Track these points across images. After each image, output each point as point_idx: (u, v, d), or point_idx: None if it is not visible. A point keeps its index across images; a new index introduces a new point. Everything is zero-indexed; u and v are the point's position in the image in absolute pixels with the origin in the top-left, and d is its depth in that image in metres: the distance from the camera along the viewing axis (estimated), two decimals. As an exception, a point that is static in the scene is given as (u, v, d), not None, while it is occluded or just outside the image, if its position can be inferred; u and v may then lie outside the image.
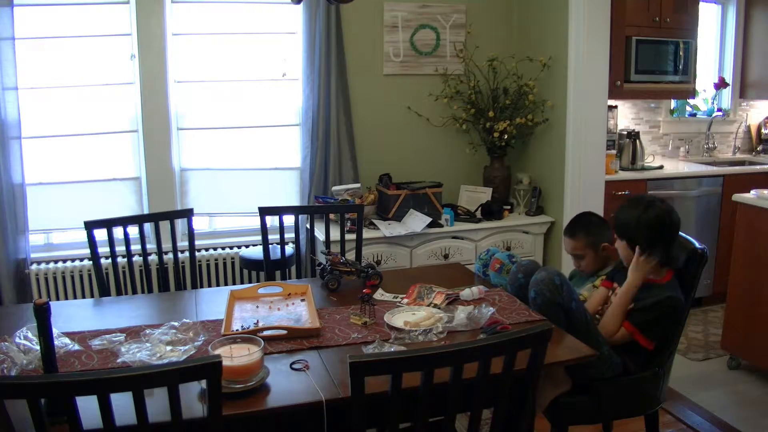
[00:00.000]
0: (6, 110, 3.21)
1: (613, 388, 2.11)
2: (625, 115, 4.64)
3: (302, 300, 2.21)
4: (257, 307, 2.16)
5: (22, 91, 3.28)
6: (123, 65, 3.52)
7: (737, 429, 2.80)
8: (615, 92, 3.99)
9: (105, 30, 3.48)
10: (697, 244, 2.23)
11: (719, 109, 5.01)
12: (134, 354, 1.73)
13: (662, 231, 2.14)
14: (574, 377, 2.07)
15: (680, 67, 4.24)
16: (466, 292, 2.21)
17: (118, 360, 1.72)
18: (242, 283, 3.75)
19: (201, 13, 3.62)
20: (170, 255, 2.90)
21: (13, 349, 1.74)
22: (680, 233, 2.30)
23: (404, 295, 2.26)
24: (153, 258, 3.26)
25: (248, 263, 3.48)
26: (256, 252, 3.53)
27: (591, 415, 2.16)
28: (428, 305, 2.14)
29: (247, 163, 3.80)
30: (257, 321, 1.98)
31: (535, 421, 1.81)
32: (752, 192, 3.27)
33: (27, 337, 1.80)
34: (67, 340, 1.84)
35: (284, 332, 1.89)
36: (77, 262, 3.49)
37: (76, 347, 1.82)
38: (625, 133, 4.33)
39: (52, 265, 3.46)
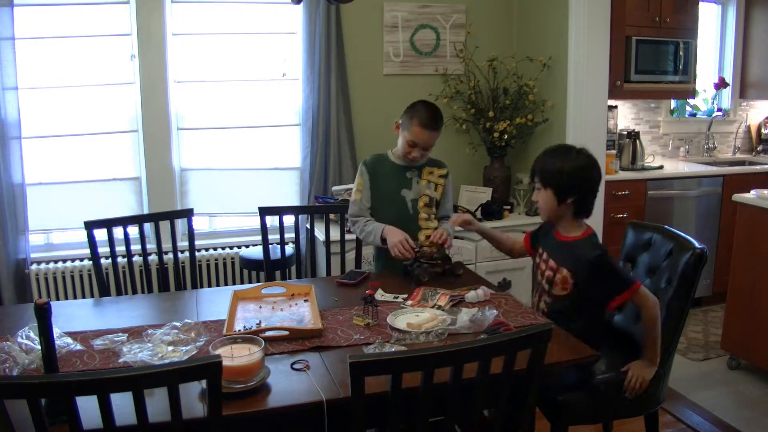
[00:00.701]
0: (6, 110, 3.21)
1: (613, 388, 2.11)
2: (625, 115, 4.64)
3: (305, 301, 2.21)
4: (260, 307, 2.15)
5: (22, 91, 3.28)
6: (123, 65, 3.52)
7: (737, 429, 2.80)
8: (615, 92, 3.99)
9: (105, 30, 3.48)
10: (697, 244, 2.22)
11: (719, 109, 5.01)
12: (136, 354, 1.73)
13: (592, 178, 2.09)
14: (574, 377, 2.07)
15: (680, 67, 4.24)
16: (471, 295, 2.20)
17: (120, 360, 1.72)
18: (242, 283, 3.75)
19: (201, 13, 3.62)
20: (170, 255, 2.90)
21: (15, 349, 1.74)
22: (679, 233, 2.31)
23: (405, 296, 2.26)
24: (153, 258, 3.27)
25: (248, 263, 3.48)
26: (257, 252, 3.54)
27: (591, 415, 2.16)
28: (432, 307, 2.14)
29: (247, 163, 3.80)
30: (259, 321, 1.98)
31: (535, 421, 1.81)
32: (752, 192, 3.27)
33: (29, 337, 1.80)
34: (69, 340, 1.84)
35: (286, 333, 1.89)
36: (77, 262, 3.49)
37: (78, 347, 1.82)
38: (625, 133, 4.33)
39: (52, 265, 3.46)
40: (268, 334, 1.86)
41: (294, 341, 1.86)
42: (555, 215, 2.16)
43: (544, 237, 2.28)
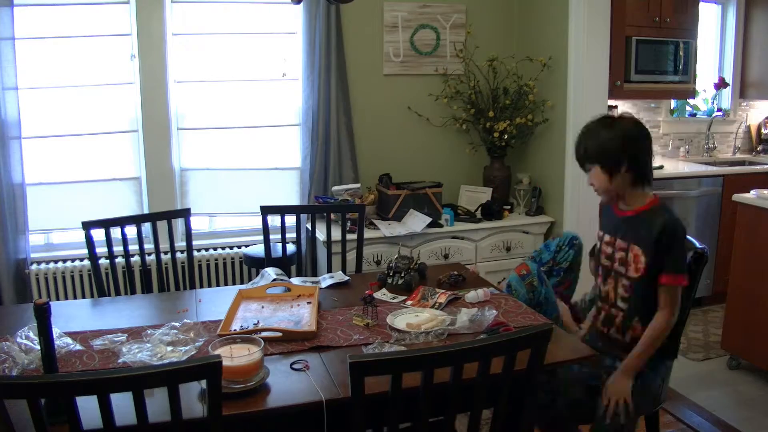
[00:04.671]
0: (6, 110, 3.21)
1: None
2: (625, 115, 4.64)
3: (309, 302, 2.21)
4: (262, 307, 2.15)
5: (22, 91, 3.28)
6: (123, 65, 3.52)
7: (738, 429, 2.80)
8: (615, 92, 3.99)
9: (105, 30, 3.48)
10: (697, 244, 2.22)
11: (719, 109, 5.01)
12: (135, 354, 1.73)
13: (639, 139, 1.96)
14: (574, 377, 2.07)
15: (680, 67, 4.24)
16: (471, 295, 2.20)
17: (119, 360, 1.73)
18: (243, 282, 3.75)
19: (201, 13, 3.62)
20: (169, 255, 2.90)
21: (14, 349, 1.74)
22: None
23: (406, 297, 2.26)
24: (152, 258, 3.26)
25: (252, 261, 3.48)
26: (260, 249, 3.53)
27: (591, 415, 2.16)
28: (432, 306, 2.14)
29: (247, 163, 3.79)
30: (257, 321, 1.98)
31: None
32: (752, 192, 3.27)
33: (29, 337, 1.80)
34: (68, 340, 1.84)
35: (279, 334, 1.89)
36: (77, 262, 3.49)
37: (78, 347, 1.82)
38: (625, 133, 4.32)
39: (51, 265, 3.46)
40: (263, 334, 1.86)
41: (293, 342, 1.86)
42: (613, 192, 2.02)
43: (605, 221, 2.14)
